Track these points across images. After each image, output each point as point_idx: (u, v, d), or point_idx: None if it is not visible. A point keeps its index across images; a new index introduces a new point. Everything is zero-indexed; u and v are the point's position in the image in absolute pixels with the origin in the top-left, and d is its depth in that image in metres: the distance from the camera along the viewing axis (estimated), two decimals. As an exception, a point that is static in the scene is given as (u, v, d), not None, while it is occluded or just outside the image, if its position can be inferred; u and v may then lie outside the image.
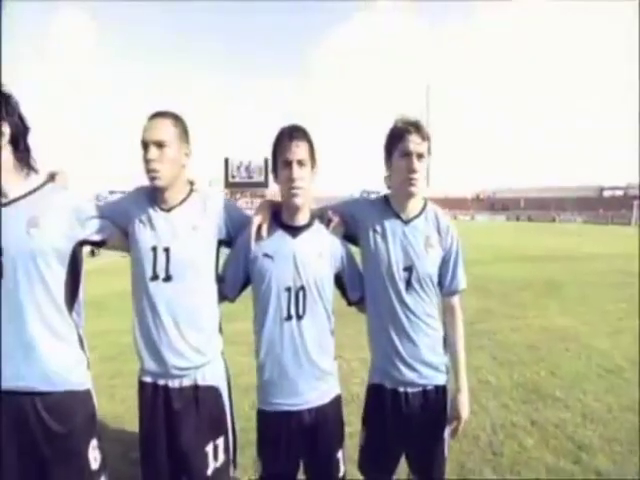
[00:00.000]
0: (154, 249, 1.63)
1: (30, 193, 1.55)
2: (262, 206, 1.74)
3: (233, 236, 1.78)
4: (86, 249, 1.71)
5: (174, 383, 1.68)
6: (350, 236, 1.81)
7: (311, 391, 1.67)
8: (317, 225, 1.74)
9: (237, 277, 1.75)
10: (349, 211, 1.82)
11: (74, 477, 1.56)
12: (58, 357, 1.53)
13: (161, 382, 1.68)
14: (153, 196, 1.71)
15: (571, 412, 3.52)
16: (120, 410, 3.53)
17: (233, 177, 47.84)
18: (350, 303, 1.86)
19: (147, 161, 1.61)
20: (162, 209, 1.70)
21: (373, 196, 1.88)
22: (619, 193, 65.33)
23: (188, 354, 1.67)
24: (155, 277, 1.63)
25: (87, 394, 1.61)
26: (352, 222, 1.80)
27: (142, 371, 1.71)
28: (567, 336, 5.56)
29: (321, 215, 1.79)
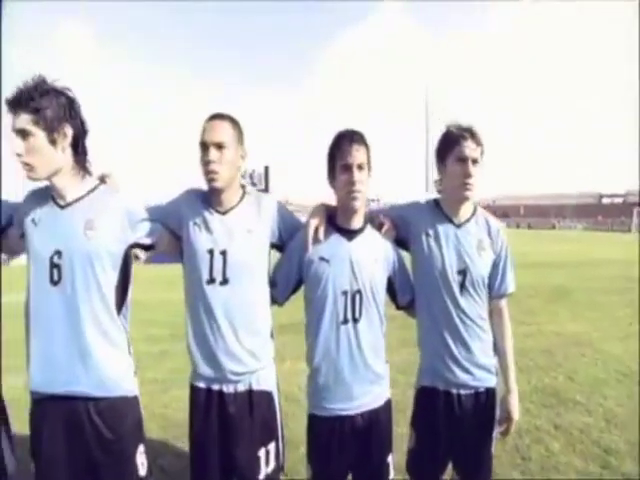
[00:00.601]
0: (211, 252, 1.63)
1: (86, 195, 1.57)
2: (317, 209, 1.75)
3: (285, 240, 1.78)
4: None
5: (229, 388, 1.67)
6: (400, 240, 1.83)
7: (365, 395, 1.68)
8: (370, 229, 1.76)
9: (289, 281, 1.76)
10: (399, 215, 1.84)
11: None
12: (112, 363, 1.55)
13: (215, 387, 1.67)
14: (207, 198, 1.72)
15: (593, 417, 3.53)
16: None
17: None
18: (399, 307, 1.87)
19: (207, 162, 1.60)
20: (218, 211, 1.69)
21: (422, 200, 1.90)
22: (618, 200, 65.66)
23: (244, 359, 1.66)
24: (212, 280, 1.63)
25: (136, 400, 1.62)
26: (403, 226, 1.82)
27: (195, 376, 1.70)
28: (581, 341, 5.59)
29: (371, 219, 1.81)
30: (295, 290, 1.79)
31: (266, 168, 49.11)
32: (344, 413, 1.67)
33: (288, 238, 1.77)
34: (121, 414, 1.56)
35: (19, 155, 1.44)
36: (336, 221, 1.72)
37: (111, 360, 1.55)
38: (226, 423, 1.66)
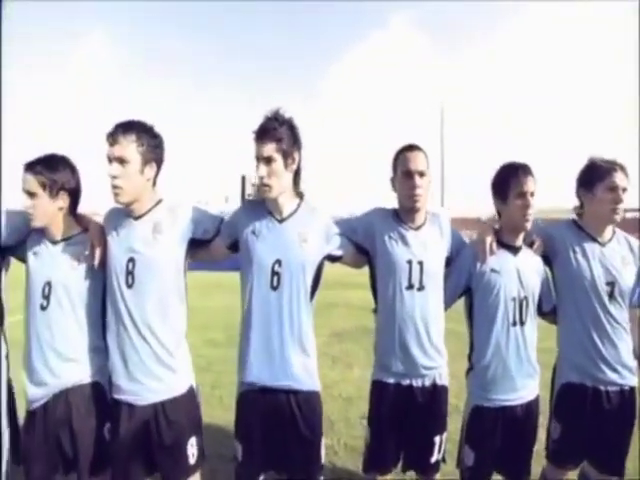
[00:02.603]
0: (409, 262, 1.89)
1: (296, 210, 1.84)
2: (489, 229, 2.02)
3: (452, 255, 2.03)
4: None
5: (417, 382, 1.91)
6: (543, 255, 2.08)
7: (524, 388, 1.96)
8: (525, 247, 2.02)
9: (457, 289, 2.02)
10: (546, 234, 2.10)
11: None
12: (310, 361, 1.81)
13: (405, 382, 1.91)
14: (398, 215, 1.99)
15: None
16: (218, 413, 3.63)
17: (249, 195, 48.52)
18: (541, 314, 2.10)
19: (261, 177, 1.74)
20: (411, 227, 1.95)
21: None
22: (634, 215, 64.20)
23: (433, 355, 1.91)
24: (410, 287, 1.89)
25: (319, 395, 1.85)
26: (549, 243, 2.08)
27: (386, 373, 1.94)
28: None
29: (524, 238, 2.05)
30: (459, 297, 2.05)
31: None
32: (507, 404, 1.93)
33: (456, 252, 2.03)
34: (314, 407, 1.81)
35: (262, 177, 1.71)
36: (501, 238, 1.99)
37: (310, 357, 1.81)
38: (410, 413, 1.91)
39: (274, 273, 1.73)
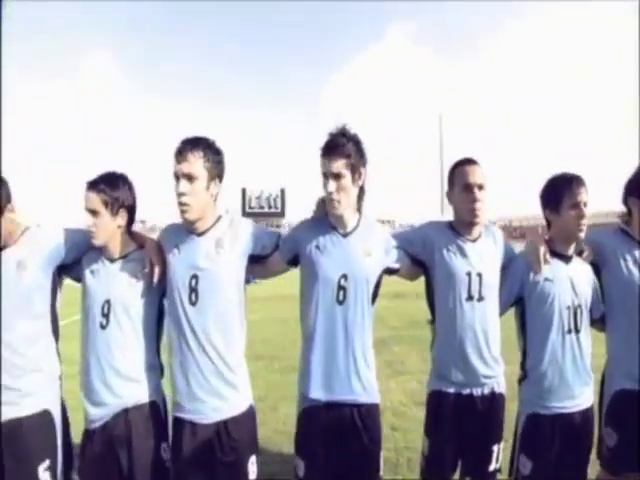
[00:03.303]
0: (469, 274, 1.92)
1: (359, 225, 1.86)
2: (540, 237, 2.06)
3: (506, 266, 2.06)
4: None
5: (477, 391, 1.93)
6: (592, 263, 2.10)
7: (581, 395, 1.97)
8: (575, 256, 2.05)
9: (511, 298, 2.05)
10: (594, 242, 2.12)
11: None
12: (372, 373, 1.84)
13: (466, 391, 1.93)
14: (447, 226, 2.03)
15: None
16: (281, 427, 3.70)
17: (251, 207, 48.58)
18: (590, 321, 2.09)
19: (330, 192, 1.74)
20: (468, 240, 1.97)
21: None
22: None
23: (492, 364, 1.94)
24: (470, 298, 1.91)
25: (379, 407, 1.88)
26: (598, 251, 2.10)
27: (446, 382, 1.94)
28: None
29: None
30: (511, 306, 2.07)
31: (282, 191, 49.71)
32: (565, 411, 1.94)
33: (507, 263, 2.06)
34: (376, 419, 1.83)
35: (331, 192, 1.72)
36: (553, 247, 2.02)
37: (371, 370, 1.84)
38: (470, 422, 1.91)
39: (340, 287, 1.75)
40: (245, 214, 52.32)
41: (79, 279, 1.91)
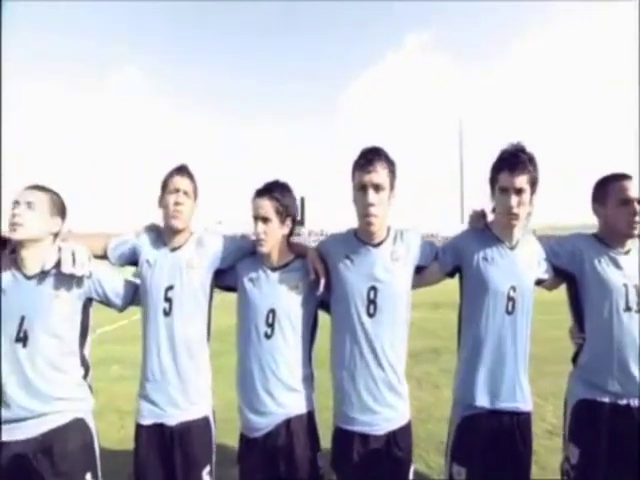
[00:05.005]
0: (625, 285, 1.90)
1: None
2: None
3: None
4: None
5: (635, 402, 1.88)
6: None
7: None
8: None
9: None
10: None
11: None
12: (526, 383, 1.87)
13: (622, 401, 1.89)
14: (595, 239, 2.02)
15: None
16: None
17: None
18: None
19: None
20: (618, 253, 1.96)
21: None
22: None
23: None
24: (628, 309, 1.87)
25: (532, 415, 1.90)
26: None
27: (600, 392, 1.90)
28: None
29: None
30: None
31: (302, 199, 49.42)
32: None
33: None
34: (530, 427, 1.85)
35: (512, 207, 1.76)
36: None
37: (527, 378, 1.86)
38: (625, 432, 1.84)
39: (509, 299, 1.80)
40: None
41: (223, 286, 1.96)
